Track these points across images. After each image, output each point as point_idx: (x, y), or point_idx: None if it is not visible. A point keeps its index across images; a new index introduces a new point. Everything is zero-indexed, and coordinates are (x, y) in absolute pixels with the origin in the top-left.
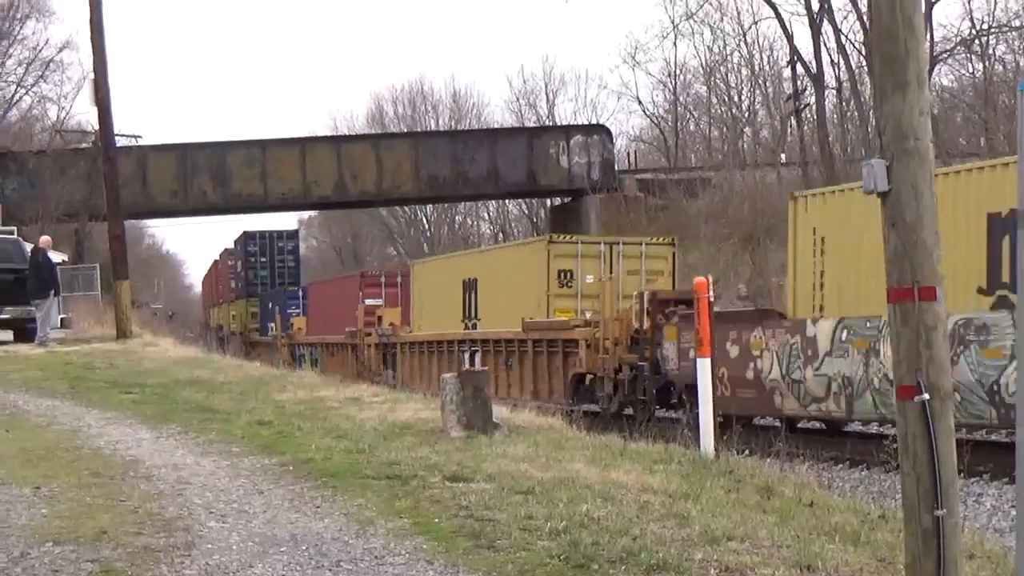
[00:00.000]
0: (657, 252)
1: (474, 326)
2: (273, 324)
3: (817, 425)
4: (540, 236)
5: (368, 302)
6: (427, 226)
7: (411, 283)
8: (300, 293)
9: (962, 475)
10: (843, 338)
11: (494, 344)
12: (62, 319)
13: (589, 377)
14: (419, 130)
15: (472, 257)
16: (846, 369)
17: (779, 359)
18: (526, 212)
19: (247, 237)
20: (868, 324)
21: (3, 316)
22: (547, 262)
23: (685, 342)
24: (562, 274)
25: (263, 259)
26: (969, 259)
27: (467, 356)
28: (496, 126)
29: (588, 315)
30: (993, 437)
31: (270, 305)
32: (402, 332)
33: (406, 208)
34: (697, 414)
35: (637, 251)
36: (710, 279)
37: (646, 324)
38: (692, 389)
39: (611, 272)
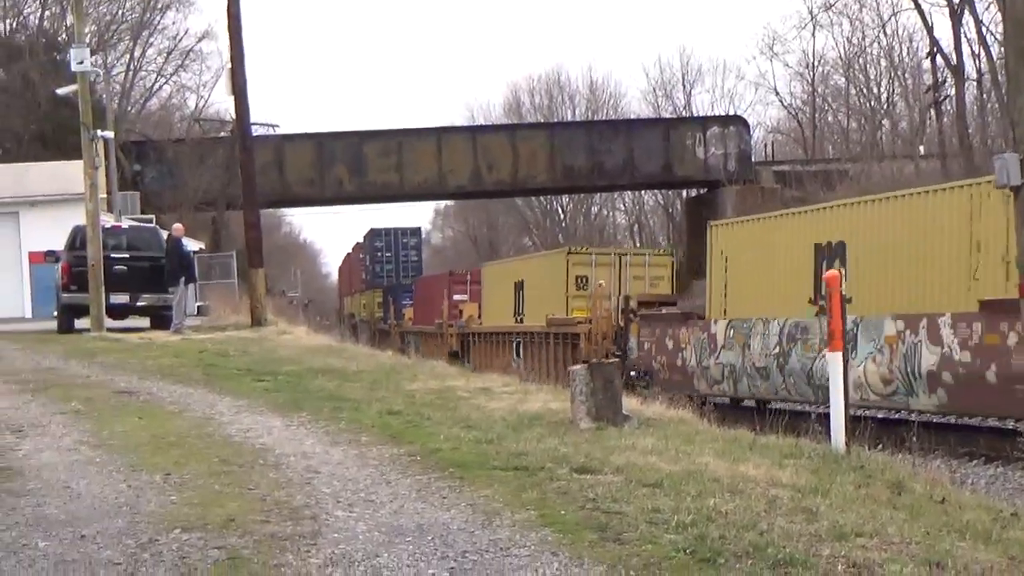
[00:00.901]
0: (659, 262)
1: (521, 320)
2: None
3: (952, 420)
4: (561, 247)
5: (455, 297)
6: (563, 216)
7: (482, 283)
8: (412, 287)
9: None
10: (731, 335)
11: (531, 336)
12: (198, 307)
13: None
14: (555, 120)
15: (521, 263)
16: (732, 359)
17: (695, 351)
18: (661, 203)
19: (373, 234)
20: (744, 324)
21: (140, 303)
22: (566, 269)
23: (643, 336)
24: (579, 279)
25: (388, 254)
26: (801, 278)
27: (515, 345)
28: (632, 117)
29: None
30: None
31: (391, 297)
32: (473, 324)
33: (542, 198)
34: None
35: (642, 260)
36: (842, 272)
37: (622, 322)
38: (647, 372)
39: (619, 278)
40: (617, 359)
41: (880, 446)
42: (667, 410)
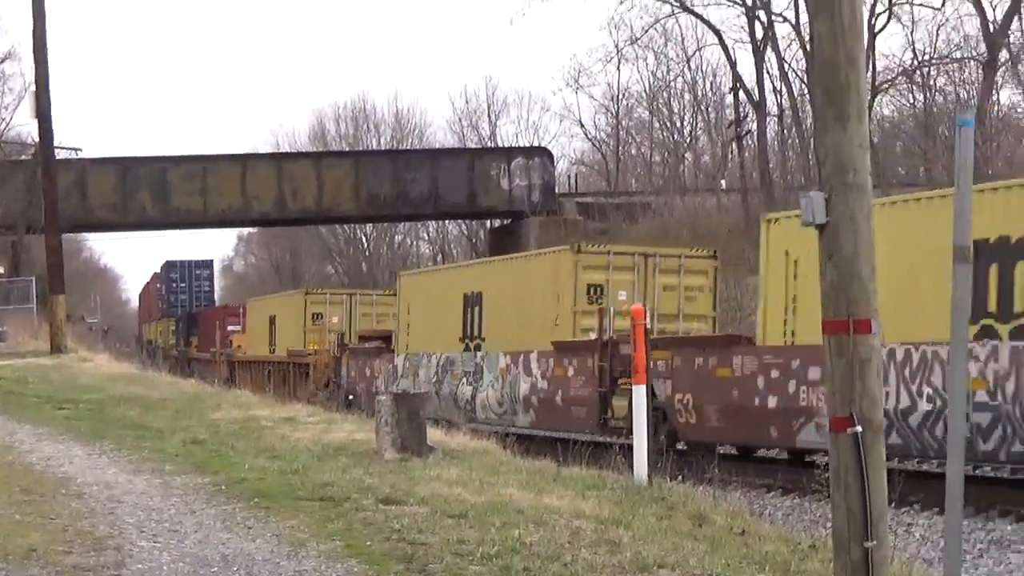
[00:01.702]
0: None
1: (273, 351)
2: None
3: (759, 453)
4: (300, 289)
5: (229, 328)
6: (367, 245)
7: (246, 316)
8: (198, 318)
9: (892, 505)
10: (407, 366)
11: (278, 364)
12: None
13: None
14: (361, 149)
15: (273, 300)
16: (407, 385)
17: (384, 378)
18: (465, 233)
19: (169, 265)
20: (415, 357)
21: None
22: (304, 307)
23: (351, 366)
24: (315, 316)
25: (183, 284)
26: (452, 320)
27: (266, 372)
28: (438, 146)
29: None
30: (925, 467)
31: (182, 325)
32: (239, 353)
33: (346, 227)
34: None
35: (370, 300)
36: (646, 307)
37: (338, 354)
38: (356, 397)
39: (351, 315)
40: (337, 384)
41: (681, 478)
42: (471, 441)
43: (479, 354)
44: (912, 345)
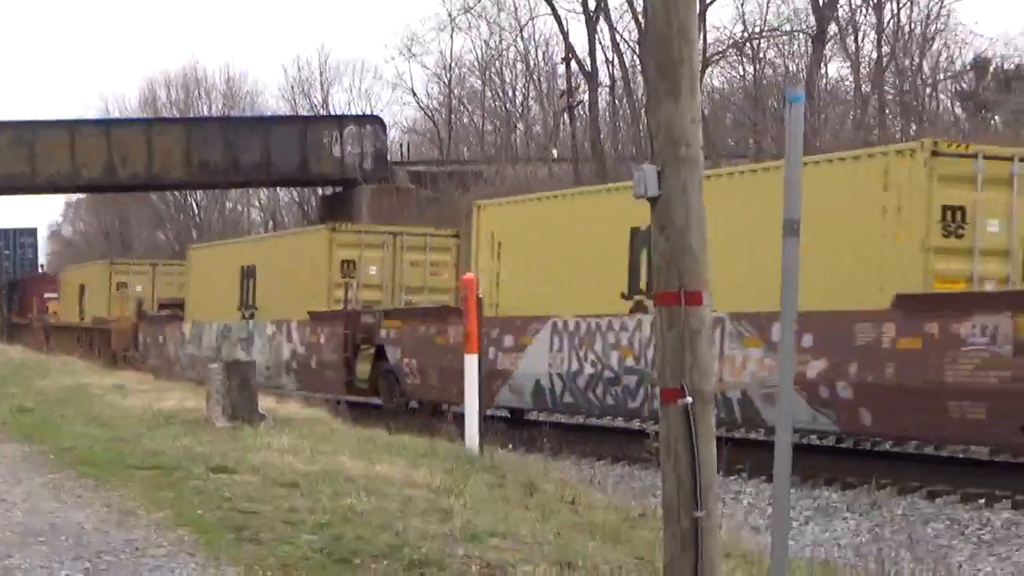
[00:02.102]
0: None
1: (83, 319)
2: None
3: (589, 422)
4: (104, 261)
5: (46, 296)
6: (197, 212)
7: (61, 284)
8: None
9: (721, 473)
10: (192, 333)
11: (86, 330)
12: None
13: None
14: (192, 116)
15: (85, 268)
16: (193, 351)
17: (174, 344)
18: (297, 200)
19: None
20: (199, 325)
21: None
22: (109, 278)
23: (146, 332)
24: (119, 285)
25: (7, 252)
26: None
27: (76, 337)
28: (270, 114)
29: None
30: (753, 435)
31: (6, 293)
32: (54, 320)
33: (176, 193)
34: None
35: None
36: (477, 276)
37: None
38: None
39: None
40: (136, 349)
41: (512, 447)
42: (302, 409)
43: (251, 322)
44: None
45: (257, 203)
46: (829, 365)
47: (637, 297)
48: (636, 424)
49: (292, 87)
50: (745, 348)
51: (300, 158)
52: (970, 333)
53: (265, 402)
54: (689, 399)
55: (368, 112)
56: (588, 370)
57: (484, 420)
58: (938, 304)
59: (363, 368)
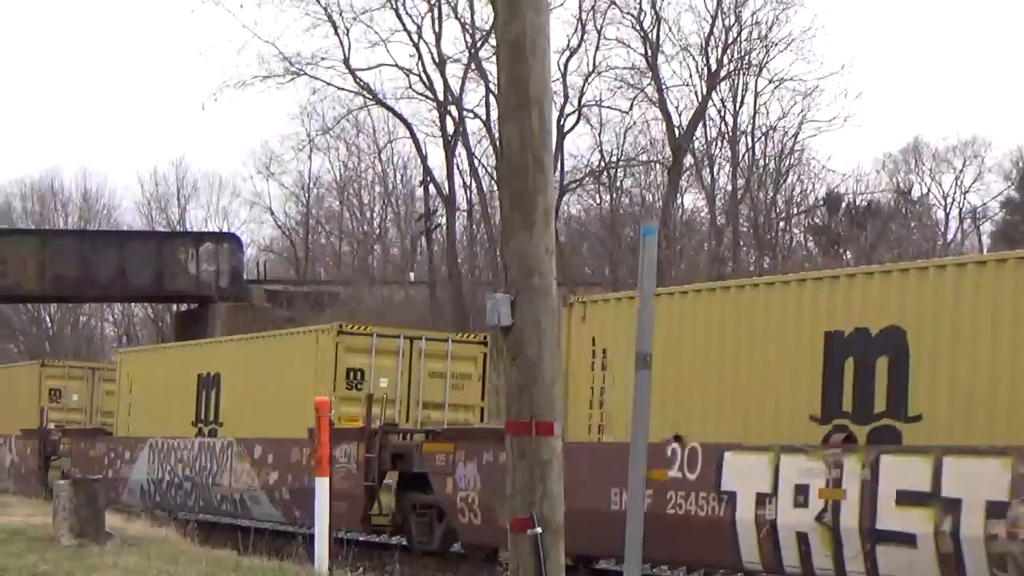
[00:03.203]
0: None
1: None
2: None
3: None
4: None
5: None
6: (51, 324)
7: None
8: None
9: None
10: None
11: None
12: None
13: None
14: (48, 228)
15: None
16: None
17: None
18: (152, 317)
19: None
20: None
21: None
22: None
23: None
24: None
25: None
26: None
27: None
28: (126, 228)
29: None
30: (603, 565)
31: None
32: None
33: (29, 305)
34: None
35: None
36: (331, 399)
37: None
38: None
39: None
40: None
41: (362, 569)
42: (150, 528)
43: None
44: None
45: (111, 318)
46: None
47: None
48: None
49: (149, 201)
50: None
51: (156, 273)
52: None
53: (113, 520)
54: (539, 529)
55: (225, 229)
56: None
57: (334, 542)
58: None
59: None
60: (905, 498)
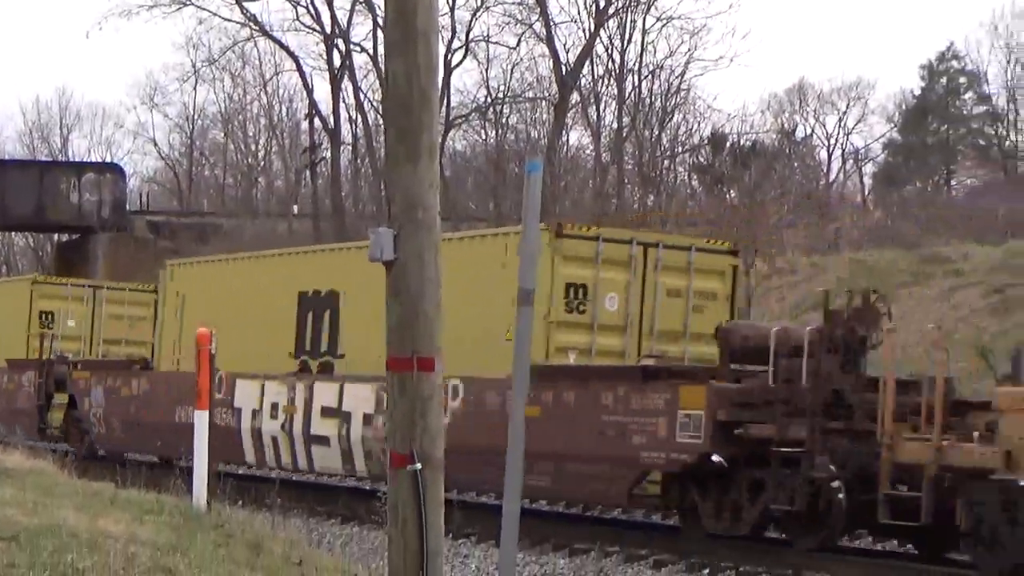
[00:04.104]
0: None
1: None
2: None
3: (313, 479)
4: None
5: None
6: None
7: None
8: None
9: (449, 537)
10: None
11: None
12: None
13: None
14: None
15: None
16: None
17: None
18: (32, 246)
19: None
20: None
21: None
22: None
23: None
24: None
25: None
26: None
27: None
28: (7, 157)
29: None
30: (483, 499)
31: None
32: None
33: None
34: None
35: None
36: (214, 332)
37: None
38: None
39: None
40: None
41: (241, 503)
42: (27, 460)
43: None
44: None
45: None
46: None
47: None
48: (366, 484)
49: (31, 131)
50: None
51: (36, 203)
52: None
53: None
54: (418, 465)
55: (108, 160)
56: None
57: (213, 476)
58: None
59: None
60: (325, 412)
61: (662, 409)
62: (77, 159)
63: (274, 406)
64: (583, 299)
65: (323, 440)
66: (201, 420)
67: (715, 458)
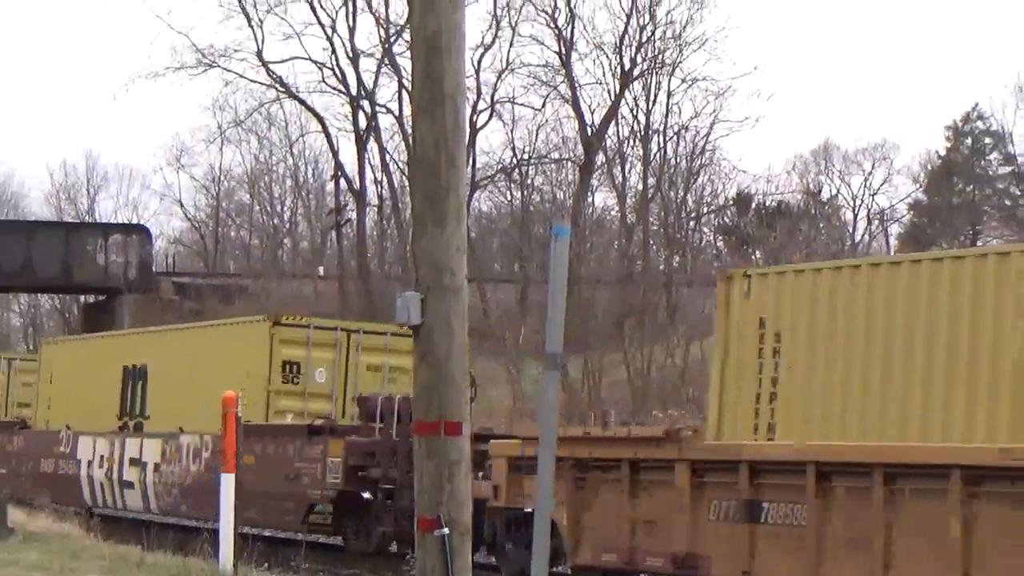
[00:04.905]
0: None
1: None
2: None
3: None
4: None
5: None
6: None
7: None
8: None
9: None
10: None
11: None
12: None
13: None
14: None
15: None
16: None
17: None
18: (58, 308)
19: None
20: None
21: None
22: None
23: None
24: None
25: None
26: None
27: None
28: (34, 219)
29: None
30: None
31: None
32: None
33: None
34: None
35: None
36: (239, 394)
37: None
38: None
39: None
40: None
41: (267, 566)
42: (53, 524)
43: None
44: None
45: (17, 308)
46: None
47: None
48: (394, 547)
49: (58, 192)
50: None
51: (63, 264)
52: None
53: (16, 516)
54: (446, 530)
55: (134, 221)
56: None
57: (239, 539)
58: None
59: None
60: (132, 462)
61: (318, 457)
62: (104, 220)
63: (102, 457)
64: (297, 373)
65: (130, 484)
66: (227, 483)
67: (366, 495)
